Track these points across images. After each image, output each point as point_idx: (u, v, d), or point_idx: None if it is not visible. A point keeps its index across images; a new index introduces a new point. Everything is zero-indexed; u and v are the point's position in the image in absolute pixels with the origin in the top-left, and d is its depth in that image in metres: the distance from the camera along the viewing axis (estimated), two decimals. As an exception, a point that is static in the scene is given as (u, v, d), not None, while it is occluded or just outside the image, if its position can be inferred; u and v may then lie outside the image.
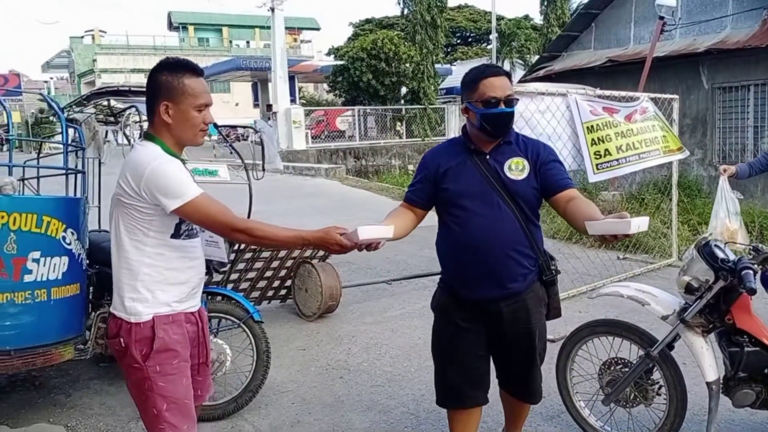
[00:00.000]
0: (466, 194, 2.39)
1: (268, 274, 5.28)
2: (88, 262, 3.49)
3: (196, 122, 2.10)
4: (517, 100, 2.43)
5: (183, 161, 2.17)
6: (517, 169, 2.39)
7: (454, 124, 22.88)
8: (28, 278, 3.06)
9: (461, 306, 2.49)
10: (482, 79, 2.34)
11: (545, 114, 5.36)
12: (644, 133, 5.91)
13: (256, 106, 34.53)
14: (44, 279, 3.12)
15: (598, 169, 5.50)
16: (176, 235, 2.10)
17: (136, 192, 2.01)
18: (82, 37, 49.46)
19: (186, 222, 2.12)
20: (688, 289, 2.79)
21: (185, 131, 2.10)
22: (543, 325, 2.55)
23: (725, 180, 5.16)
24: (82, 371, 4.14)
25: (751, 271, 2.56)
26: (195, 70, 2.12)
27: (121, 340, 2.07)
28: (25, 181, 4.62)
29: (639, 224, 1.95)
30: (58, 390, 3.91)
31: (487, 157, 2.41)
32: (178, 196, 2.00)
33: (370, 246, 2.14)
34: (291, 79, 22.98)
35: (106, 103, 4.66)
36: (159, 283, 2.09)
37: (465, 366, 2.52)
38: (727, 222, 5.28)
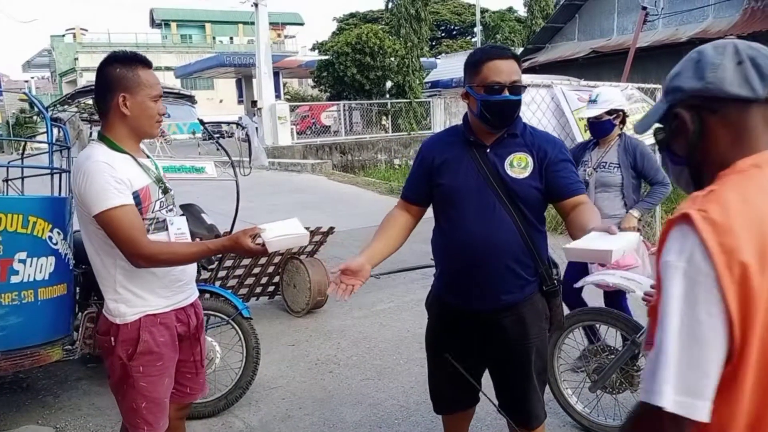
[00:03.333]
0: (460, 192, 2.14)
1: (256, 270, 5.28)
2: (74, 262, 3.47)
3: (153, 113, 2.10)
4: (525, 87, 2.16)
5: (144, 156, 2.19)
6: (519, 166, 2.12)
7: (439, 118, 22.91)
8: (14, 279, 3.03)
9: (452, 312, 2.28)
10: (486, 61, 2.07)
11: (530, 106, 5.40)
12: (635, 114, 5.97)
13: (240, 102, 34.34)
14: (31, 280, 3.09)
15: None
16: None
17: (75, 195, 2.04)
18: (63, 35, 48.89)
19: (149, 215, 2.09)
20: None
21: (143, 122, 2.09)
22: (543, 342, 2.27)
23: None
24: (70, 372, 4.12)
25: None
26: (147, 63, 2.13)
27: (112, 339, 2.09)
28: (10, 182, 4.58)
29: (625, 248, 1.70)
30: (46, 391, 3.89)
31: (488, 150, 2.15)
32: (96, 203, 1.96)
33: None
34: (275, 74, 22.85)
35: (91, 101, 4.62)
36: (135, 282, 2.08)
37: (452, 373, 2.31)
38: None
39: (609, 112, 3.69)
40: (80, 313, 3.58)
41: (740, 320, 0.97)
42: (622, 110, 3.75)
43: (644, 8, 10.20)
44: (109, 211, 1.95)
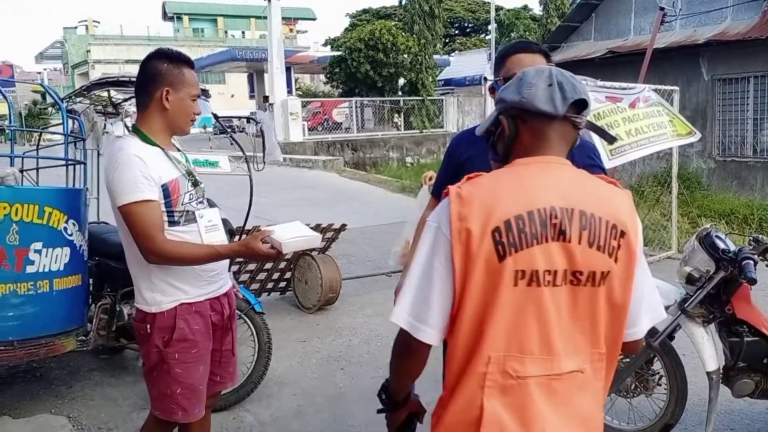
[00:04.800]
0: None
1: (268, 266, 5.28)
2: (88, 253, 3.48)
3: (190, 110, 2.18)
4: None
5: (175, 150, 2.22)
6: None
7: (452, 116, 22.82)
8: (30, 269, 3.05)
9: None
10: (511, 54, 2.08)
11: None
12: (650, 118, 5.93)
13: (252, 97, 34.42)
14: (46, 270, 3.11)
15: (612, 155, 5.51)
16: (173, 223, 2.10)
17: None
18: (76, 27, 49.11)
19: (179, 207, 2.11)
20: (689, 280, 2.80)
21: (181, 118, 2.16)
22: None
23: (426, 190, 4.19)
24: (83, 362, 4.14)
25: (751, 262, 2.58)
26: (191, 63, 2.22)
27: (148, 326, 2.13)
28: (24, 172, 4.60)
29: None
30: (60, 381, 3.92)
31: None
32: (121, 194, 2.00)
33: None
34: (287, 70, 22.87)
35: (105, 94, 4.64)
36: (169, 272, 2.11)
37: None
38: (410, 239, 4.16)
39: None
40: (94, 305, 3.60)
41: (461, 274, 1.24)
42: None
43: (662, 9, 10.09)
44: (132, 204, 2.00)
